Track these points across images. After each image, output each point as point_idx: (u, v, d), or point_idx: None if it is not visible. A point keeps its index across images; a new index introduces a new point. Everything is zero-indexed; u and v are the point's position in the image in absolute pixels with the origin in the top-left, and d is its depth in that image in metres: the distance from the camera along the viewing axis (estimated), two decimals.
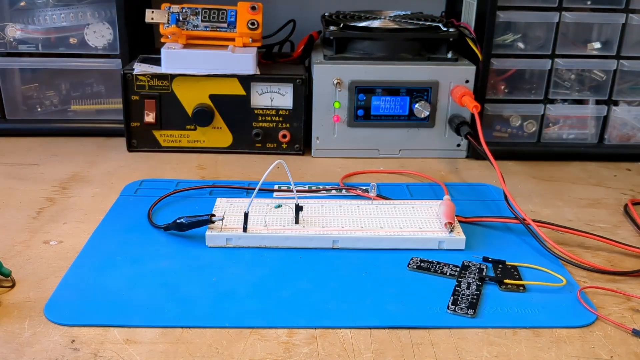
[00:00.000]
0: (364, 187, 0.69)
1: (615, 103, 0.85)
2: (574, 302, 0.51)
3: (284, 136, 0.83)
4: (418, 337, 0.47)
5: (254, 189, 0.69)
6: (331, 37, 0.83)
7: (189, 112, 0.82)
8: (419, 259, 0.57)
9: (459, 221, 0.62)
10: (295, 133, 0.84)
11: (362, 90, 0.81)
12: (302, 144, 0.84)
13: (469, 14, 0.86)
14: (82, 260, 0.56)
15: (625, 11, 0.80)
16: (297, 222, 0.60)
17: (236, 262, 0.56)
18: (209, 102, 0.82)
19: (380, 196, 0.67)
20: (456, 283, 0.53)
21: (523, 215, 0.62)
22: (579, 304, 0.51)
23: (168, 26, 0.81)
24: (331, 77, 0.80)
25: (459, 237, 0.59)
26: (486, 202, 0.70)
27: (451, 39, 0.83)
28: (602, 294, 0.53)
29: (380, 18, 0.91)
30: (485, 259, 0.57)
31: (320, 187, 0.71)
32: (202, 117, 0.81)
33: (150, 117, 0.82)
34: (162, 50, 0.80)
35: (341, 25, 0.84)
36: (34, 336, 0.46)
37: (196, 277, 0.54)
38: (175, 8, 0.82)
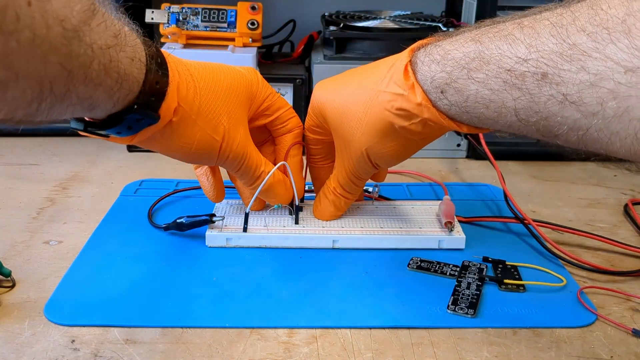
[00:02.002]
0: (364, 187, 0.69)
1: None
2: (574, 302, 0.51)
3: None
4: (418, 337, 0.47)
5: None
6: (331, 37, 0.83)
7: None
8: (419, 259, 0.57)
9: (459, 221, 0.62)
10: None
11: None
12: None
13: (469, 14, 0.86)
14: (82, 260, 0.56)
15: None
16: (297, 222, 0.60)
17: (236, 262, 0.56)
18: None
19: (380, 196, 0.67)
20: (456, 283, 0.53)
21: (523, 215, 0.62)
22: (578, 304, 0.51)
23: (168, 26, 0.81)
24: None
25: (459, 236, 0.59)
26: (486, 202, 0.70)
27: None
28: (602, 294, 0.53)
29: (380, 18, 0.91)
30: (485, 259, 0.57)
31: None
32: None
33: None
34: (162, 50, 0.80)
35: (341, 25, 0.84)
36: (33, 336, 0.46)
37: (196, 277, 0.54)
38: (175, 8, 0.82)
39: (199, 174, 0.58)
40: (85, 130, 0.43)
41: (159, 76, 0.44)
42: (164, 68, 0.45)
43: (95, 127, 0.43)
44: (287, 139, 0.59)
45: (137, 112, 0.42)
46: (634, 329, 0.47)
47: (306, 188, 0.67)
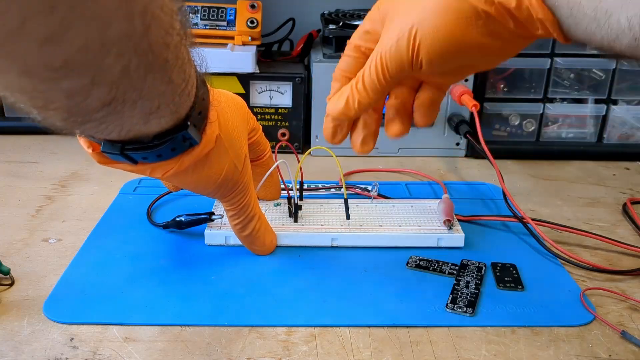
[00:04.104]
0: (363, 186, 0.69)
1: (615, 102, 0.85)
2: (573, 300, 0.51)
3: (283, 134, 0.83)
4: (417, 335, 0.47)
5: None
6: (330, 36, 0.83)
7: None
8: (417, 258, 0.57)
9: (458, 220, 0.62)
10: (295, 131, 0.84)
11: None
12: (301, 142, 0.84)
13: None
14: (81, 258, 0.56)
15: None
16: (296, 220, 0.60)
17: (235, 260, 0.56)
18: None
19: (379, 195, 0.67)
20: (455, 281, 0.53)
21: (522, 214, 0.62)
22: (577, 303, 0.51)
23: None
24: (330, 76, 0.80)
25: (458, 234, 0.59)
26: (485, 201, 0.70)
27: None
28: (600, 293, 0.53)
29: None
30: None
31: (320, 185, 0.71)
32: None
33: None
34: None
35: (340, 23, 0.84)
36: (32, 334, 0.46)
37: (195, 275, 0.54)
38: None
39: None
40: (121, 153, 0.40)
41: (205, 90, 0.42)
42: (205, 83, 0.43)
43: (134, 149, 0.40)
44: (268, 162, 0.59)
45: (190, 129, 0.40)
46: (623, 331, 0.47)
47: (305, 187, 0.67)
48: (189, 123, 0.40)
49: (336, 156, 0.59)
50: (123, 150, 0.40)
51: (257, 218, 0.54)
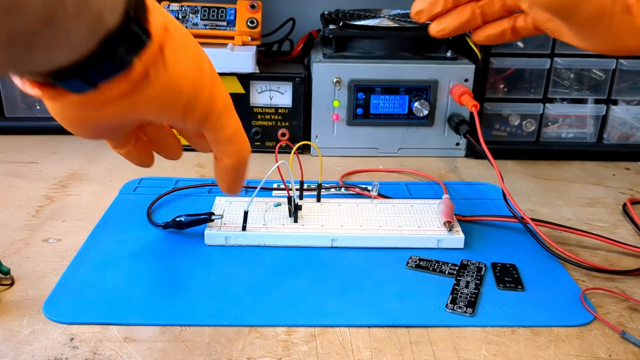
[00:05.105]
0: (363, 186, 0.69)
1: (614, 102, 0.85)
2: (573, 301, 0.51)
3: (283, 134, 0.83)
4: (417, 335, 0.47)
5: (253, 188, 0.69)
6: (330, 36, 0.83)
7: None
8: (417, 258, 0.57)
9: (458, 220, 0.62)
10: (295, 131, 0.84)
11: (361, 89, 0.81)
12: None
13: None
14: (81, 258, 0.56)
15: None
16: (296, 220, 0.60)
17: (235, 260, 0.56)
18: None
19: (379, 195, 0.67)
20: (455, 282, 0.53)
21: (522, 214, 0.62)
22: (577, 303, 0.51)
23: None
24: (330, 76, 0.80)
25: (457, 235, 0.59)
26: (485, 201, 0.70)
27: (450, 38, 0.83)
28: (600, 293, 0.53)
29: (379, 17, 0.91)
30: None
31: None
32: None
33: None
34: None
35: (340, 23, 0.84)
36: (32, 334, 0.46)
37: (195, 276, 0.54)
38: (175, 6, 0.82)
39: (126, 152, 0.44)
40: (78, 76, 0.35)
41: None
42: None
43: (87, 69, 0.34)
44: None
45: (132, 25, 0.34)
46: (623, 331, 0.47)
47: (305, 186, 0.67)
48: (130, 13, 0.34)
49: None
50: (77, 73, 0.35)
51: (234, 138, 0.45)
